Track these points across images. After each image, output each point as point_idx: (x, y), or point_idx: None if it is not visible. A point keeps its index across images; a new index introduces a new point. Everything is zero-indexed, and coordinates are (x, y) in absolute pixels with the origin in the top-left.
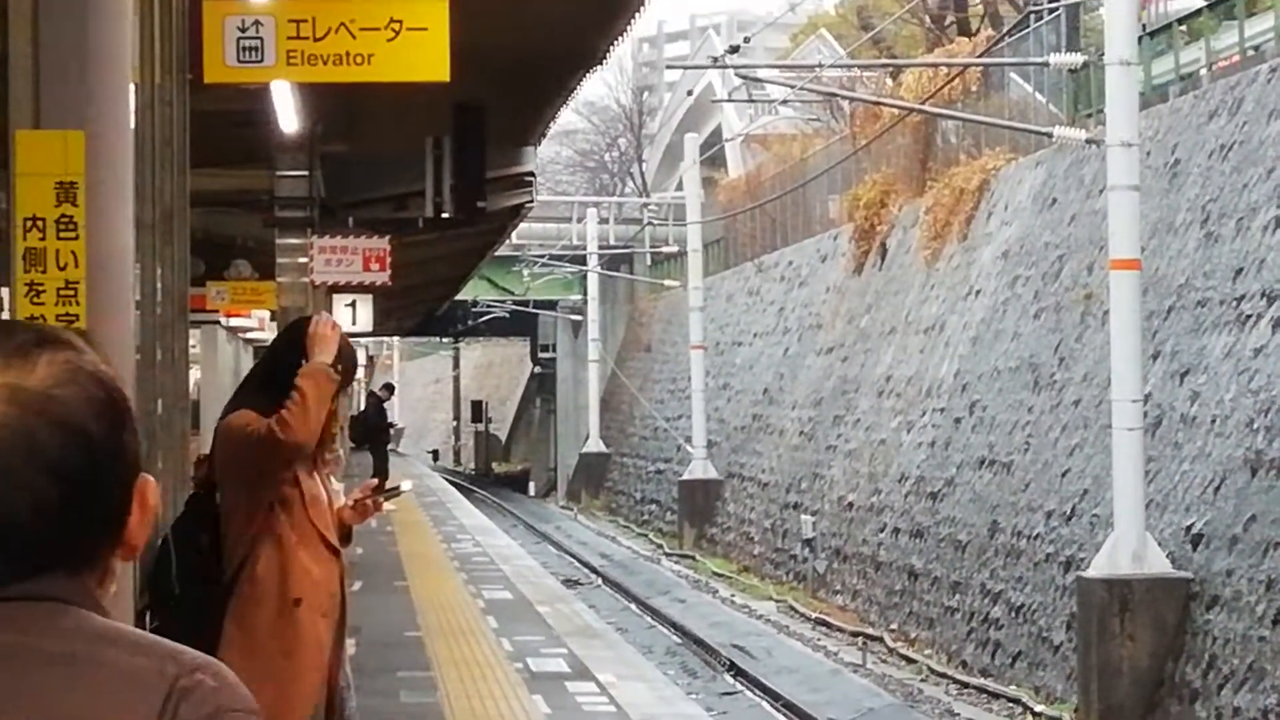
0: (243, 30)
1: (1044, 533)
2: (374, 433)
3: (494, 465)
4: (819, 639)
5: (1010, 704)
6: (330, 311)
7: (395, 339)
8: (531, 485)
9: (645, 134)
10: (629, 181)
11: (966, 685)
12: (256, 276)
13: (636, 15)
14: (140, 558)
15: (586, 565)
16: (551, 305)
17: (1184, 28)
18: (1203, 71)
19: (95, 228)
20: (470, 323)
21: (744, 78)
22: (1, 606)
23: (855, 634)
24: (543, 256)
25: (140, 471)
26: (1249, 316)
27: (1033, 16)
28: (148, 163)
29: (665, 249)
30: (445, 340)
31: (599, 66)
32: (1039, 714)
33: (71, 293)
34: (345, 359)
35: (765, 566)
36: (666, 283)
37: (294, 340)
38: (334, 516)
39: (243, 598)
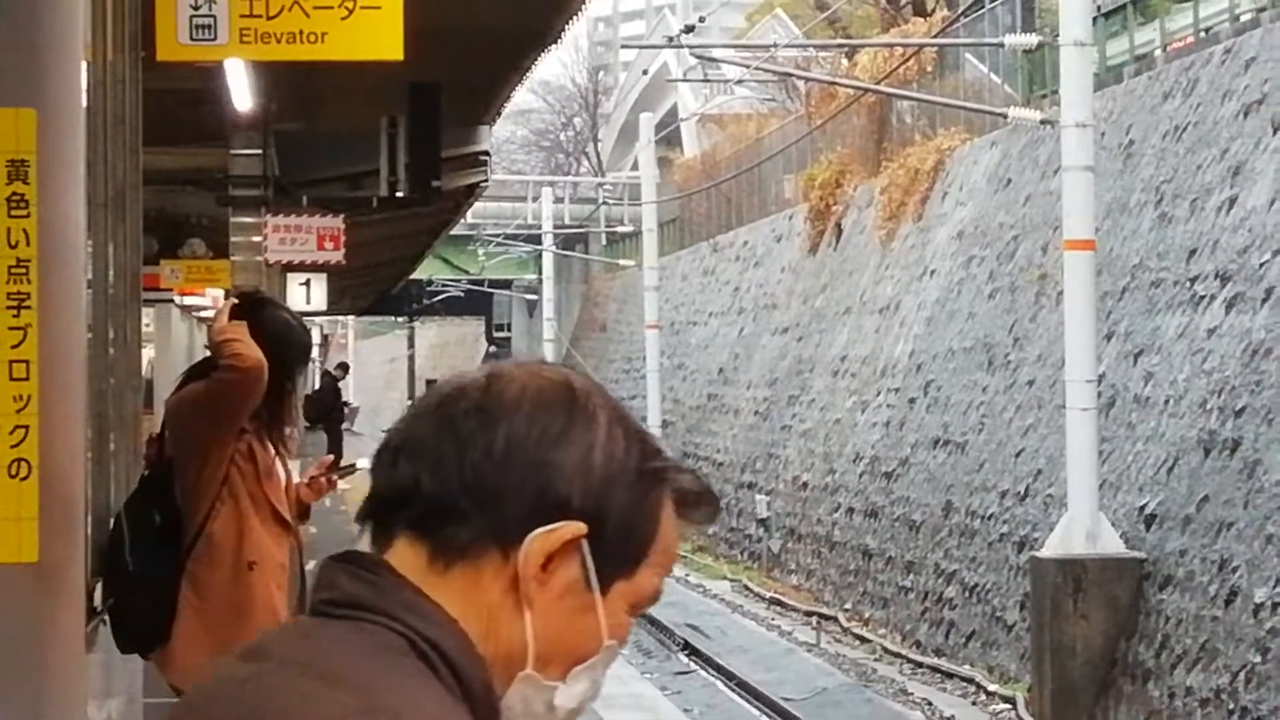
0: (195, 8)
1: (998, 513)
2: (328, 412)
3: None
4: (773, 618)
5: (964, 683)
6: (284, 290)
7: (350, 318)
8: None
9: (600, 113)
10: (584, 161)
11: (920, 665)
12: (210, 255)
13: None
14: (95, 538)
15: None
16: (506, 284)
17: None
18: (1157, 52)
19: (47, 206)
20: (425, 302)
21: (700, 57)
22: (327, 625)
23: (809, 613)
24: (498, 236)
25: (579, 521)
26: (1202, 297)
27: None
28: (100, 141)
29: (620, 228)
30: (400, 319)
31: (554, 45)
32: (992, 693)
33: (23, 271)
34: (299, 342)
35: (720, 546)
36: (622, 262)
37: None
38: (289, 493)
39: (198, 560)
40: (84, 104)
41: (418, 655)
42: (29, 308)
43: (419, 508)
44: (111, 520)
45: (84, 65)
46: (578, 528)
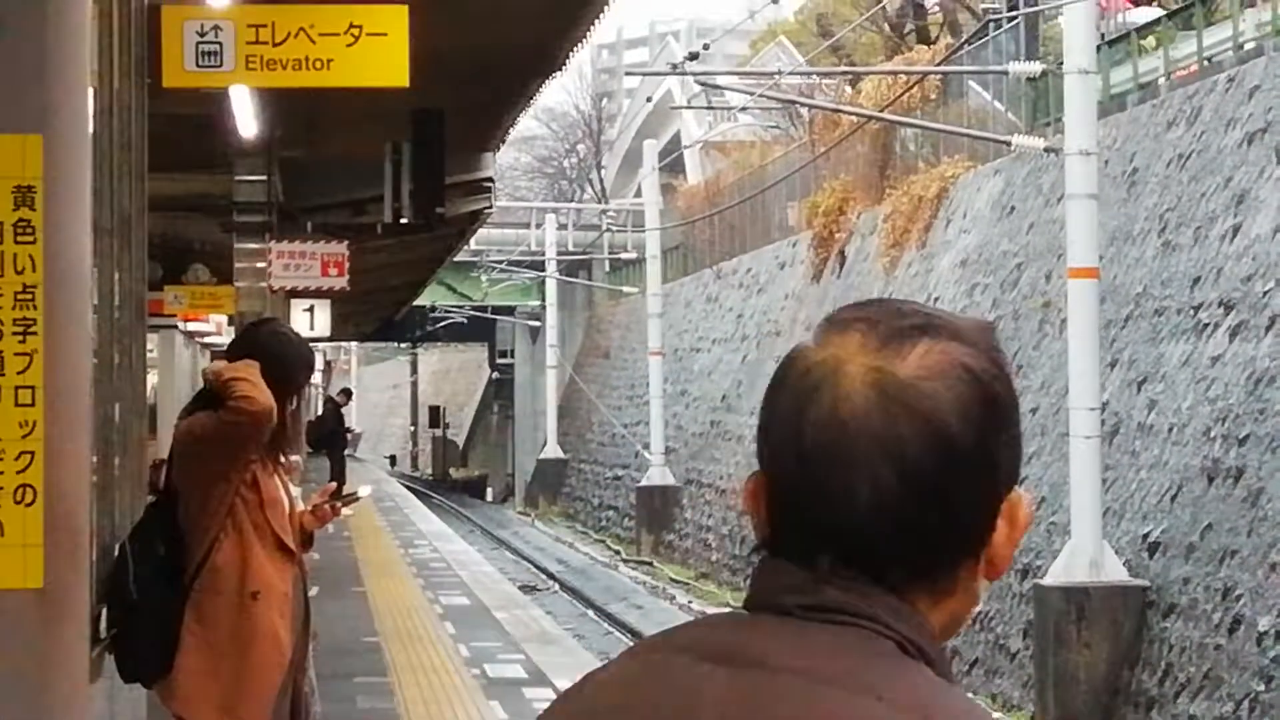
0: (202, 35)
1: None
2: (331, 438)
3: (451, 471)
4: None
5: None
6: (288, 316)
7: (353, 344)
8: (489, 491)
9: (604, 140)
10: (588, 188)
11: None
12: (214, 281)
13: (596, 21)
14: (100, 564)
15: (544, 571)
16: (510, 311)
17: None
18: (1161, 81)
19: (53, 232)
20: (428, 328)
21: (703, 84)
22: (809, 628)
23: None
24: (501, 262)
25: (1014, 485)
26: (1206, 325)
27: (992, 25)
28: (106, 167)
29: (624, 255)
30: (403, 345)
31: (558, 73)
32: None
33: (29, 297)
34: (298, 359)
35: (723, 573)
36: (625, 289)
37: (241, 353)
38: (293, 520)
39: (202, 589)
40: (90, 130)
41: (909, 657)
42: (35, 333)
43: (893, 559)
44: (116, 549)
45: (90, 91)
46: (1028, 514)
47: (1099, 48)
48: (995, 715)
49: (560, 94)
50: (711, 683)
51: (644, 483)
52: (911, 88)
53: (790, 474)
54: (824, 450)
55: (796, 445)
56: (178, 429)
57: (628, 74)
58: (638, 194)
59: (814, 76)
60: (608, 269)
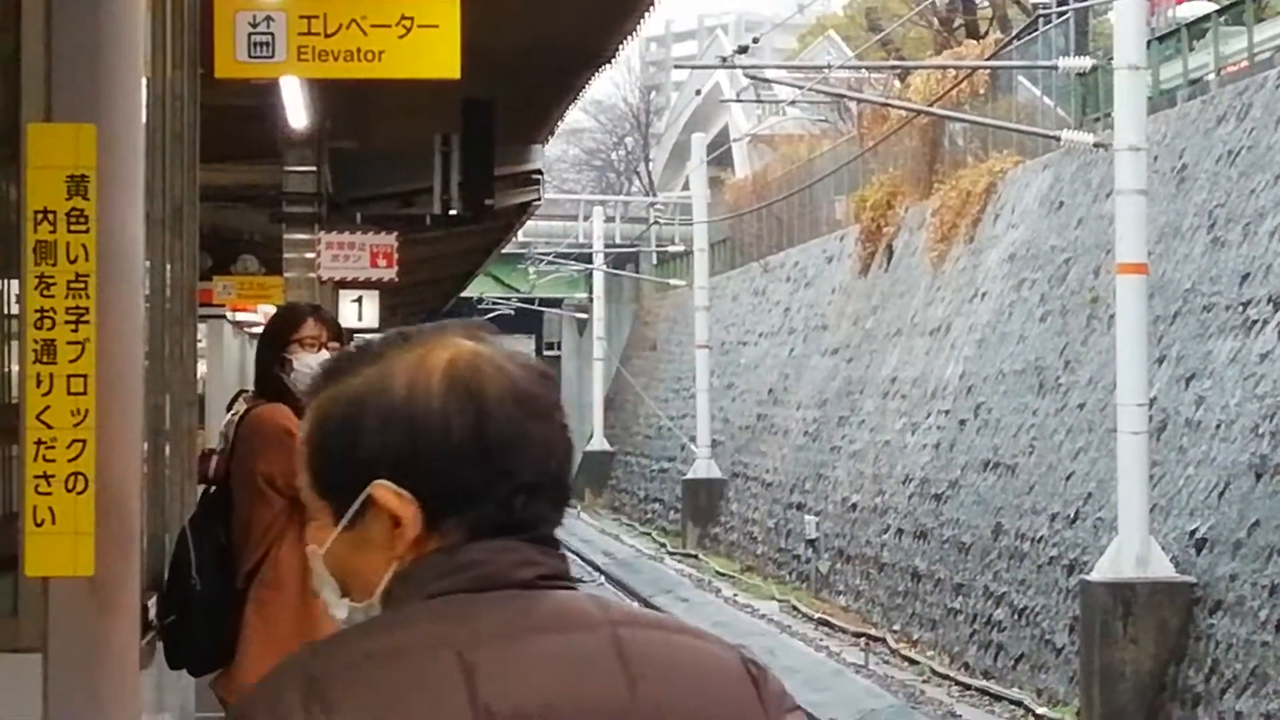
0: (254, 25)
1: (1047, 535)
2: None
3: None
4: (821, 639)
5: (1012, 706)
6: (336, 307)
7: None
8: None
9: (652, 133)
10: (635, 180)
11: (969, 687)
12: (263, 271)
13: (646, 14)
14: (149, 553)
15: (590, 563)
16: (557, 303)
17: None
18: (1211, 77)
19: (106, 221)
20: (475, 319)
21: (752, 78)
22: (556, 596)
23: (858, 635)
24: (549, 254)
25: None
26: (1255, 322)
27: (1041, 20)
28: (159, 157)
29: (671, 248)
30: None
31: (608, 65)
32: (1041, 717)
33: (82, 286)
34: (266, 334)
35: (768, 566)
36: (672, 282)
37: (277, 332)
38: None
39: (265, 585)
40: (143, 120)
41: None
42: (88, 323)
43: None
44: (175, 537)
45: (144, 81)
46: None
47: (1149, 43)
48: (1041, 711)
49: (609, 87)
50: (568, 648)
51: (690, 475)
52: (960, 82)
53: (472, 461)
54: (509, 424)
55: (477, 438)
56: (246, 425)
57: (676, 67)
58: (685, 187)
59: (862, 71)
60: (655, 261)
